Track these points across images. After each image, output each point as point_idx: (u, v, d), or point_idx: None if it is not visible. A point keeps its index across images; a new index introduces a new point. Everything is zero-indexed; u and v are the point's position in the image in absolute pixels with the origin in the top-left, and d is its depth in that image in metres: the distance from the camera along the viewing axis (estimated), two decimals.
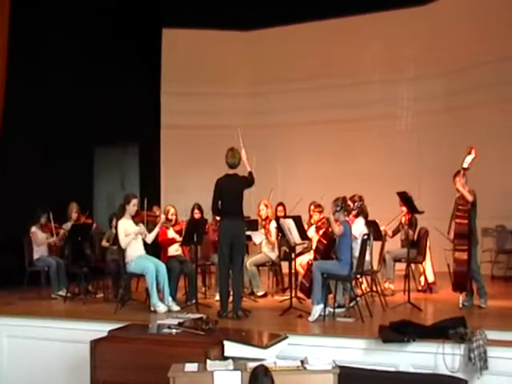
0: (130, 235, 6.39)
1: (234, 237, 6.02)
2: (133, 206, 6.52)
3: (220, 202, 6.11)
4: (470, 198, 6.19)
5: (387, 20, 10.48)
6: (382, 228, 7.26)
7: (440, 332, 4.77)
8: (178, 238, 7.09)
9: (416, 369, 4.68)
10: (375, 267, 6.87)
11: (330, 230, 6.19)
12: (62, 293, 7.29)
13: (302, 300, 6.62)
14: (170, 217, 7.22)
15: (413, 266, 7.31)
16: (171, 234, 7.22)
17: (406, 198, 6.70)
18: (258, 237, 7.51)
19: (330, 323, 5.71)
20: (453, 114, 10.09)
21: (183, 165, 11.39)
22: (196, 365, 3.98)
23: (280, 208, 7.96)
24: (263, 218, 7.66)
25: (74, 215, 7.76)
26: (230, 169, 6.12)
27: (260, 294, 7.37)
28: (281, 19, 10.86)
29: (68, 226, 7.60)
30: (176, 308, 6.32)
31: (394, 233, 7.53)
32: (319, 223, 7.29)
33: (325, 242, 6.32)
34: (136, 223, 6.55)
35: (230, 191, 6.04)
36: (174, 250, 7.15)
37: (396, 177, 9.73)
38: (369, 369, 4.64)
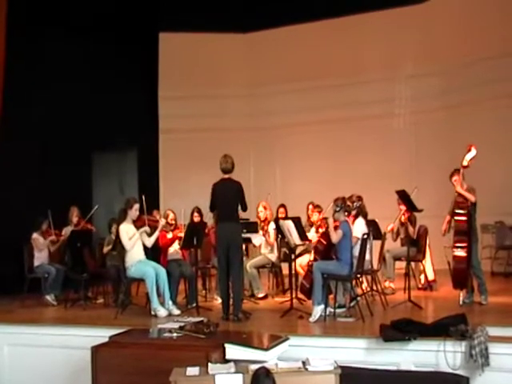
0: (135, 236, 6.39)
1: (229, 240, 6.06)
2: (135, 211, 6.53)
3: (216, 206, 6.21)
4: (473, 199, 6.19)
5: (383, 19, 10.49)
6: (388, 228, 7.25)
7: (441, 329, 4.76)
8: (177, 243, 7.09)
9: (418, 367, 4.68)
10: (375, 266, 6.88)
11: (329, 229, 6.19)
12: (50, 298, 7.29)
13: (302, 301, 6.61)
14: (169, 221, 7.21)
15: (413, 264, 7.32)
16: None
17: (404, 196, 6.70)
18: (257, 239, 7.51)
19: (331, 323, 5.71)
20: (450, 111, 10.11)
21: (182, 168, 11.40)
22: (197, 368, 3.99)
23: (281, 210, 7.95)
24: (262, 219, 7.66)
25: (75, 219, 7.78)
26: (224, 174, 6.20)
27: (260, 295, 7.36)
28: (277, 21, 10.88)
29: (68, 230, 7.61)
30: (176, 312, 6.31)
31: (397, 235, 7.52)
32: (318, 223, 7.29)
33: (324, 242, 6.32)
34: (137, 228, 6.55)
35: (225, 195, 6.11)
36: (175, 251, 7.14)
37: (394, 175, 9.75)
38: (370, 368, 4.65)
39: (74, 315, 6.62)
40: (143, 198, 6.62)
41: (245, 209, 6.25)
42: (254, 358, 4.21)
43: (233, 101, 11.74)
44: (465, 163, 6.28)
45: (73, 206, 7.85)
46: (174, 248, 7.15)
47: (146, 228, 6.55)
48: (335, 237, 5.92)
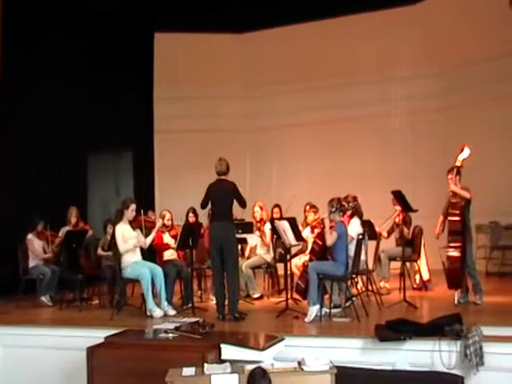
0: (129, 243, 6.37)
1: (223, 239, 6.09)
2: (131, 211, 6.52)
3: (210, 206, 6.25)
4: (467, 195, 6.21)
5: (380, 20, 10.50)
6: (376, 229, 7.27)
7: (436, 329, 4.78)
8: (173, 243, 7.10)
9: (413, 367, 4.69)
10: (370, 266, 6.89)
11: (325, 230, 6.20)
12: (45, 299, 7.27)
13: (297, 301, 6.62)
14: (166, 222, 7.22)
15: (408, 264, 7.33)
16: (167, 238, 7.23)
17: (400, 197, 6.72)
18: (253, 239, 7.51)
19: (327, 323, 5.72)
20: (446, 112, 10.15)
21: (177, 169, 11.40)
22: (193, 369, 4.00)
23: (276, 210, 7.95)
24: (258, 219, 7.67)
25: (73, 219, 7.76)
26: (218, 176, 6.27)
27: (256, 296, 7.37)
28: (273, 21, 10.88)
29: (65, 230, 7.59)
30: (172, 312, 6.31)
31: (389, 233, 7.56)
32: (314, 223, 7.30)
33: (320, 243, 6.32)
34: (133, 228, 6.54)
35: (219, 195, 6.16)
36: (170, 254, 7.16)
37: (390, 175, 9.77)
38: (366, 368, 4.66)
39: (70, 316, 6.60)
40: (142, 211, 6.60)
41: (244, 205, 6.25)
42: (250, 358, 4.21)
43: (228, 101, 11.74)
44: (458, 163, 6.31)
45: (72, 206, 7.84)
46: (170, 252, 7.16)
47: (140, 239, 6.50)
48: (330, 240, 5.93)
